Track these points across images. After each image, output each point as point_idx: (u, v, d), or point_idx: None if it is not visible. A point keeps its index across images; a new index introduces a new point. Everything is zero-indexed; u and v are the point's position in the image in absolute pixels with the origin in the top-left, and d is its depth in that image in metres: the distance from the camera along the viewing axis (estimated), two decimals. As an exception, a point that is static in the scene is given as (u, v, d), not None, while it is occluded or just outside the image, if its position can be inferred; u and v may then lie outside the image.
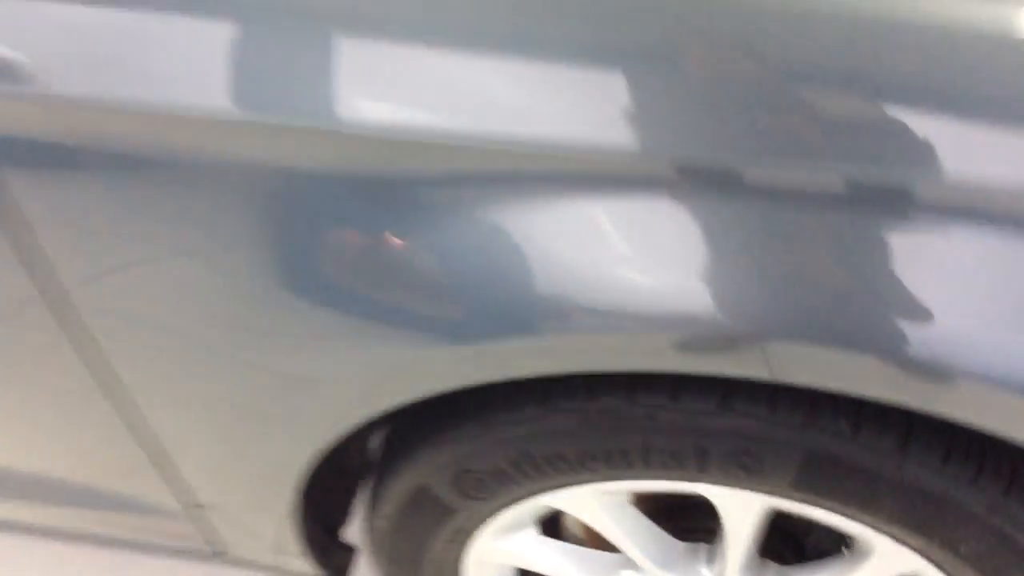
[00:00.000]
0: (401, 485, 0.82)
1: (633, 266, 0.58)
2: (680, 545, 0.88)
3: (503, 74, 0.54)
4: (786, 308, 0.56)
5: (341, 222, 0.61)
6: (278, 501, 0.86)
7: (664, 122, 0.53)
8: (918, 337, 0.55)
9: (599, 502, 0.80)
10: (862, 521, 0.71)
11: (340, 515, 1.04)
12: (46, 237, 0.65)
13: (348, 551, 1.04)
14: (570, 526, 0.98)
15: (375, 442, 0.92)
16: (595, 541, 0.92)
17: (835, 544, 0.89)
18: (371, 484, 0.89)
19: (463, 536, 0.86)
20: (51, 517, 1.05)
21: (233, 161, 0.59)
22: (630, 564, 0.89)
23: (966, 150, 0.51)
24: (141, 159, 0.59)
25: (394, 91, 0.55)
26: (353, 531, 1.05)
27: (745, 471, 0.69)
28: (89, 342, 0.72)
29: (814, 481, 0.68)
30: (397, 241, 0.60)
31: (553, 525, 0.95)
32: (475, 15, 0.54)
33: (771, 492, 0.71)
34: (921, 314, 0.54)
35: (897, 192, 0.52)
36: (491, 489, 0.78)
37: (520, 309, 0.60)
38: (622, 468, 0.72)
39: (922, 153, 0.50)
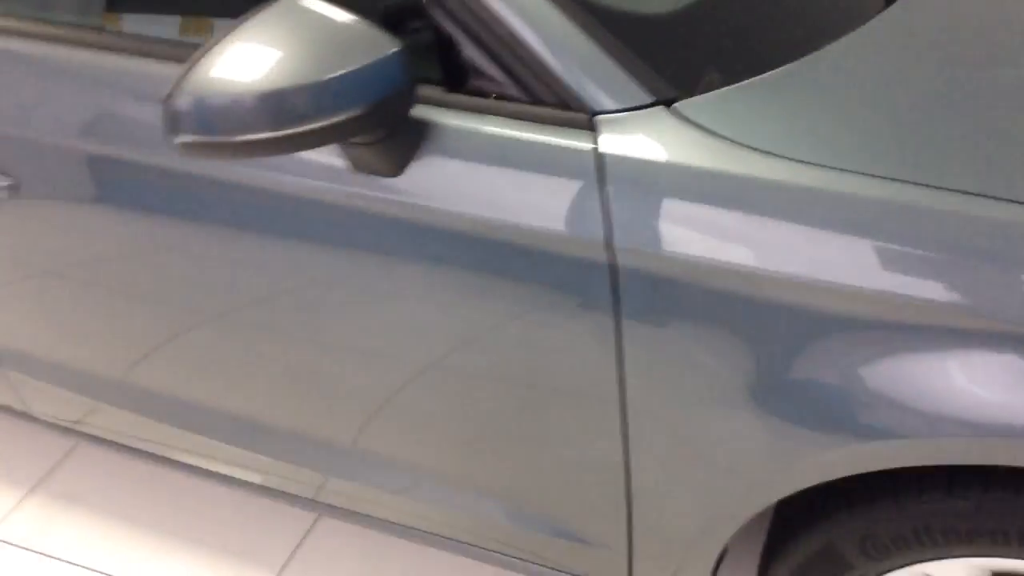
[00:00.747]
0: (810, 542, 1.14)
1: (994, 392, 0.91)
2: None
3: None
4: None
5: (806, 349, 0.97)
6: (707, 550, 1.18)
7: None
8: None
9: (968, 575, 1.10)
10: None
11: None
12: (633, 350, 1.05)
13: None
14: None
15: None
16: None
17: None
18: (769, 544, 1.23)
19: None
20: (468, 531, 1.39)
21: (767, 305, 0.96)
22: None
23: None
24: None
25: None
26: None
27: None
28: (620, 406, 1.09)
29: None
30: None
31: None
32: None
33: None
34: None
35: None
36: (888, 552, 1.07)
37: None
38: (999, 546, 1.00)
39: None
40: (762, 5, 1.19)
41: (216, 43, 0.93)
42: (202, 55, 0.93)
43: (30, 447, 2.00)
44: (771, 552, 1.23)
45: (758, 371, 1.00)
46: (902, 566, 1.10)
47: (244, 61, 0.91)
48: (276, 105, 0.91)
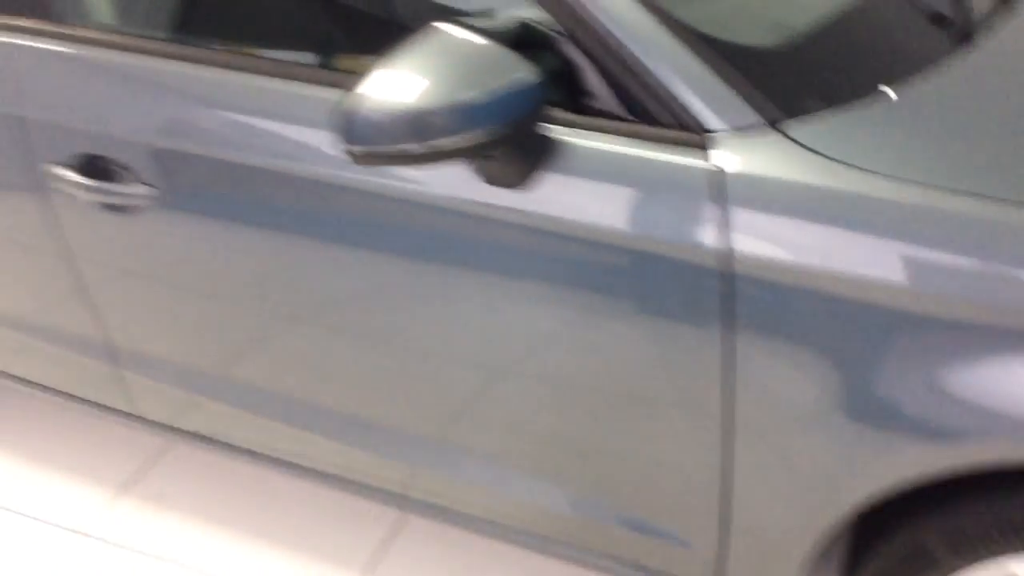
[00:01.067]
0: (900, 543, 1.19)
1: None
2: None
3: None
4: None
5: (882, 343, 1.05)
6: (799, 551, 1.24)
7: None
8: None
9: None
10: None
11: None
12: (744, 356, 1.13)
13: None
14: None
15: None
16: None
17: None
18: (849, 548, 1.29)
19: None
20: (556, 528, 1.46)
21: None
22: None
23: None
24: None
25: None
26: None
27: None
28: (724, 409, 1.18)
29: None
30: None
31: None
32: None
33: None
34: None
35: None
36: (975, 549, 1.13)
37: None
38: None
39: None
40: (860, 34, 1.28)
41: (377, 67, 1.05)
42: (365, 78, 1.05)
43: (124, 447, 2.10)
44: (855, 559, 1.30)
45: (859, 376, 1.07)
46: (986, 559, 1.16)
47: (400, 83, 1.03)
48: (427, 122, 1.02)
